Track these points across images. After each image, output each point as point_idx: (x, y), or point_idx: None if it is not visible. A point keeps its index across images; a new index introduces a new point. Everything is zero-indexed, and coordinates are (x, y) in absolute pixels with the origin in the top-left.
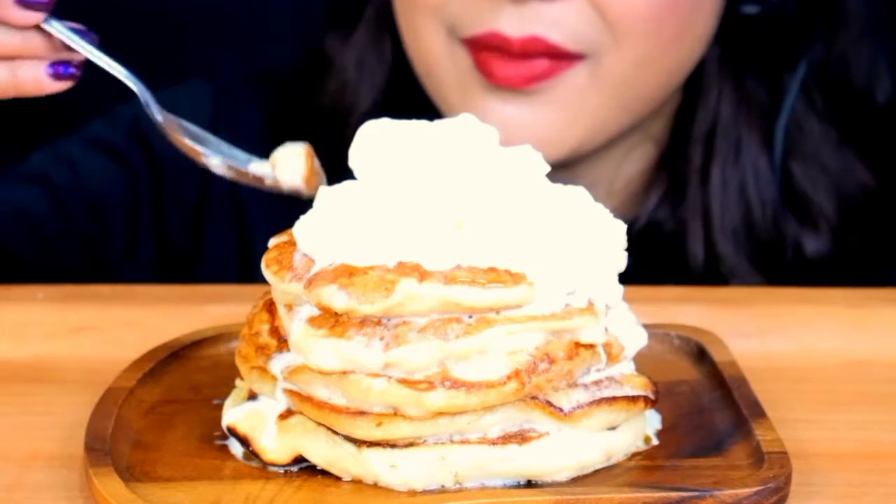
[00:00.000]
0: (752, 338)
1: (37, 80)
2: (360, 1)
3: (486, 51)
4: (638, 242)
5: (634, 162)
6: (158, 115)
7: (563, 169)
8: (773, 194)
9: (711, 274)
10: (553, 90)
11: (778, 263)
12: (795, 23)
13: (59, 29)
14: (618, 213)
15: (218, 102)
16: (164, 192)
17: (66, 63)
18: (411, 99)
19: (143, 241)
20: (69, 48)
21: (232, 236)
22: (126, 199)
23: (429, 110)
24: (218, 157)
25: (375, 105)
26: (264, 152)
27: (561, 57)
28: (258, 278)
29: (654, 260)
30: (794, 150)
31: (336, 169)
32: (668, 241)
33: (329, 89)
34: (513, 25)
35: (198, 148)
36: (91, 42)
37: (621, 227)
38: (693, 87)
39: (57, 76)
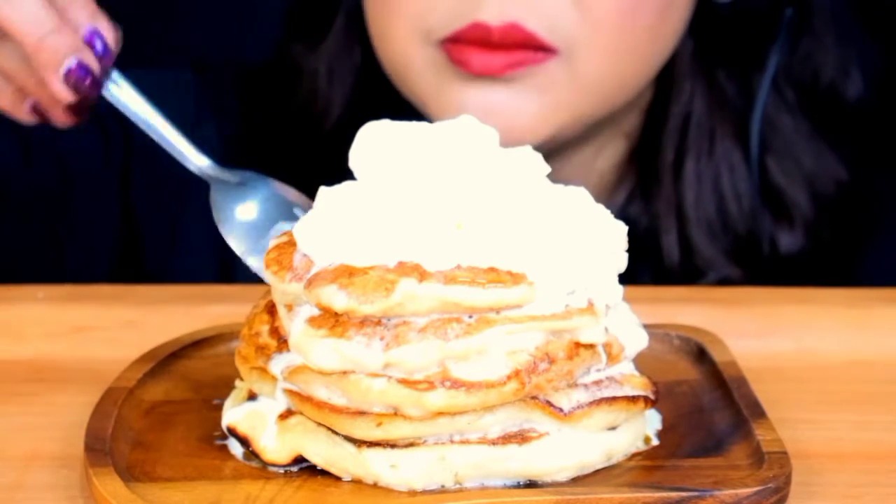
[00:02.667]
0: (752, 338)
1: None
2: (329, 11)
3: (463, 44)
4: None
5: (607, 157)
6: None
7: None
8: (749, 188)
9: (687, 268)
10: (530, 79)
11: (755, 256)
12: (766, 15)
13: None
14: None
15: (201, 96)
16: (135, 169)
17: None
18: (382, 101)
19: (108, 210)
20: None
21: (209, 230)
22: (98, 164)
23: (401, 110)
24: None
25: (346, 111)
26: (241, 154)
27: (537, 48)
28: (238, 277)
29: (630, 256)
30: (769, 144)
31: (310, 174)
32: (643, 237)
33: (299, 98)
34: (493, 13)
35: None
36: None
37: (622, 228)
38: (665, 82)
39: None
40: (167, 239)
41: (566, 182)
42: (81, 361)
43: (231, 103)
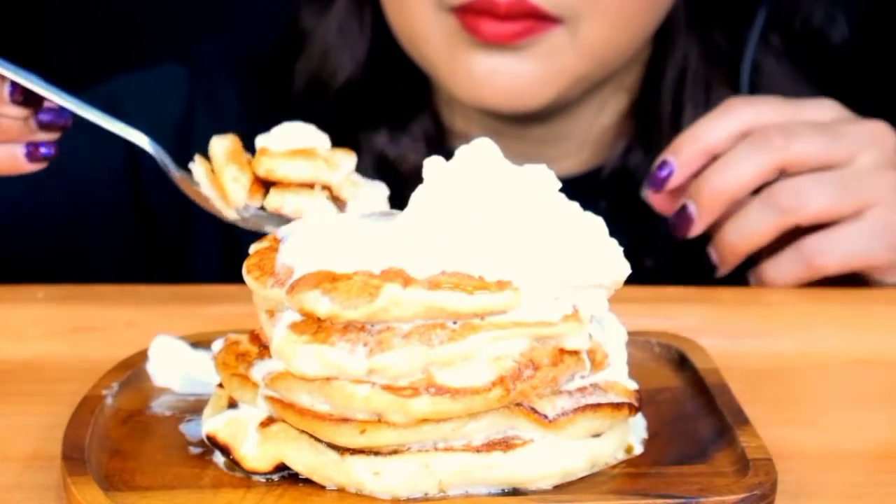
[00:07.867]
0: (752, 338)
1: (13, 159)
2: None
3: (473, 13)
4: (612, 188)
5: (609, 113)
6: (175, 170)
7: (540, 122)
8: None
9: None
10: (535, 46)
11: None
12: None
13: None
14: (591, 162)
15: (194, 86)
16: (143, 168)
17: (43, 143)
18: (392, 66)
19: (120, 213)
20: (49, 124)
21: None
22: (102, 170)
23: (411, 76)
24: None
25: (356, 74)
26: (242, 135)
27: (542, 17)
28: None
29: (630, 205)
30: (758, 86)
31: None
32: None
33: (309, 60)
34: None
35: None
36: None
37: (625, 267)
38: (663, 38)
39: (33, 157)
40: (182, 229)
41: (570, 138)
42: (81, 361)
43: (228, 89)
